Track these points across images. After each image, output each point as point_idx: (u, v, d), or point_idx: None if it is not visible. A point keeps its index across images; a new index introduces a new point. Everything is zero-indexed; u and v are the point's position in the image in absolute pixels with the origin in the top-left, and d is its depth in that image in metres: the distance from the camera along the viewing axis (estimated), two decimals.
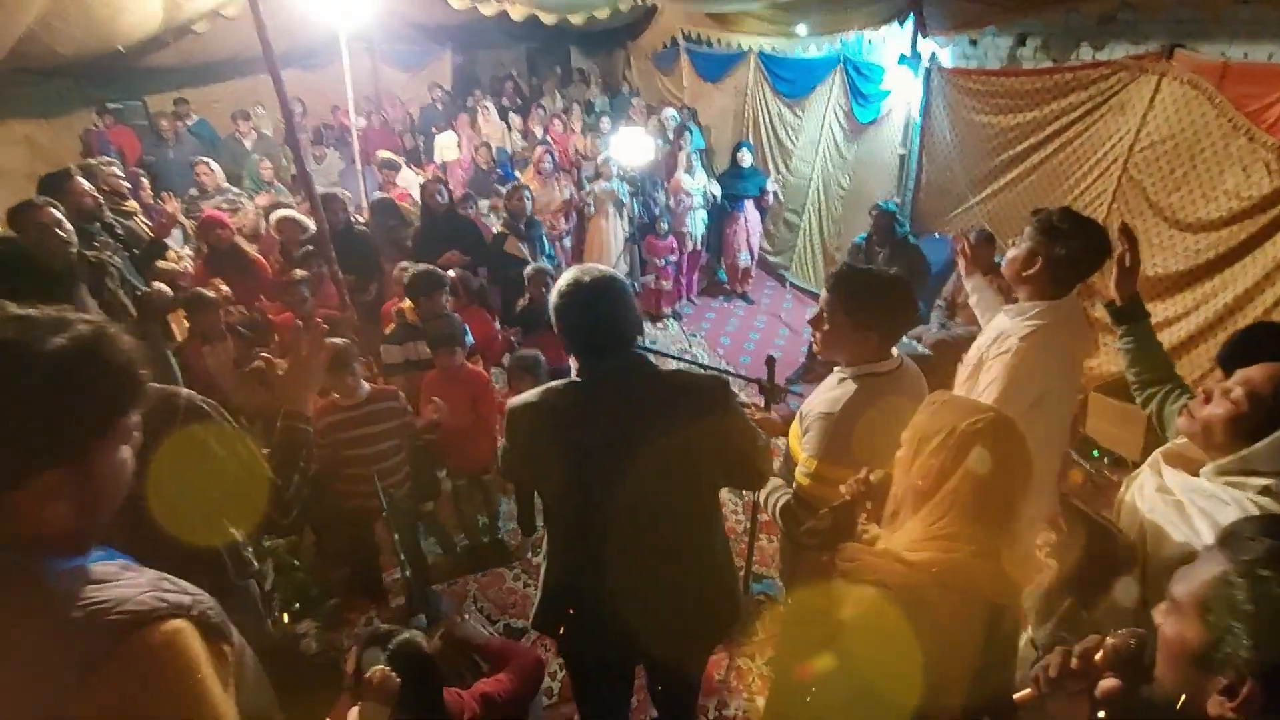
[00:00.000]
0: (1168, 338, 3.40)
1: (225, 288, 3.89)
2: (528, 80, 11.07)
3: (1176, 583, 0.85)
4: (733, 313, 6.21)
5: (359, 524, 2.84)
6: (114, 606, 0.73)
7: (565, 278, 1.51)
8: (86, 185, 3.29)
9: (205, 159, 5.30)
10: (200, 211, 5.02)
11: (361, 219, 4.75)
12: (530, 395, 1.53)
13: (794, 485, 1.76)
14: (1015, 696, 1.02)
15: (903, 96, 4.94)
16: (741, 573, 3.01)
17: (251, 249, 4.09)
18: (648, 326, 5.49)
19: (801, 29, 5.99)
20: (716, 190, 5.87)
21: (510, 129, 7.68)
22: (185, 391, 1.30)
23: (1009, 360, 1.85)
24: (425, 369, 3.23)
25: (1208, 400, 1.35)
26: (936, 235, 4.96)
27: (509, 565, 3.31)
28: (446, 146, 7.46)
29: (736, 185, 5.91)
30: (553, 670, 2.51)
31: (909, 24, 4.60)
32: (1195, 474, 1.36)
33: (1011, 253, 1.98)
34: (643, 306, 5.87)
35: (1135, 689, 0.85)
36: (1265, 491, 1.24)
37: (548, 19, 7.15)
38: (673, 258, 5.76)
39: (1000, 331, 1.95)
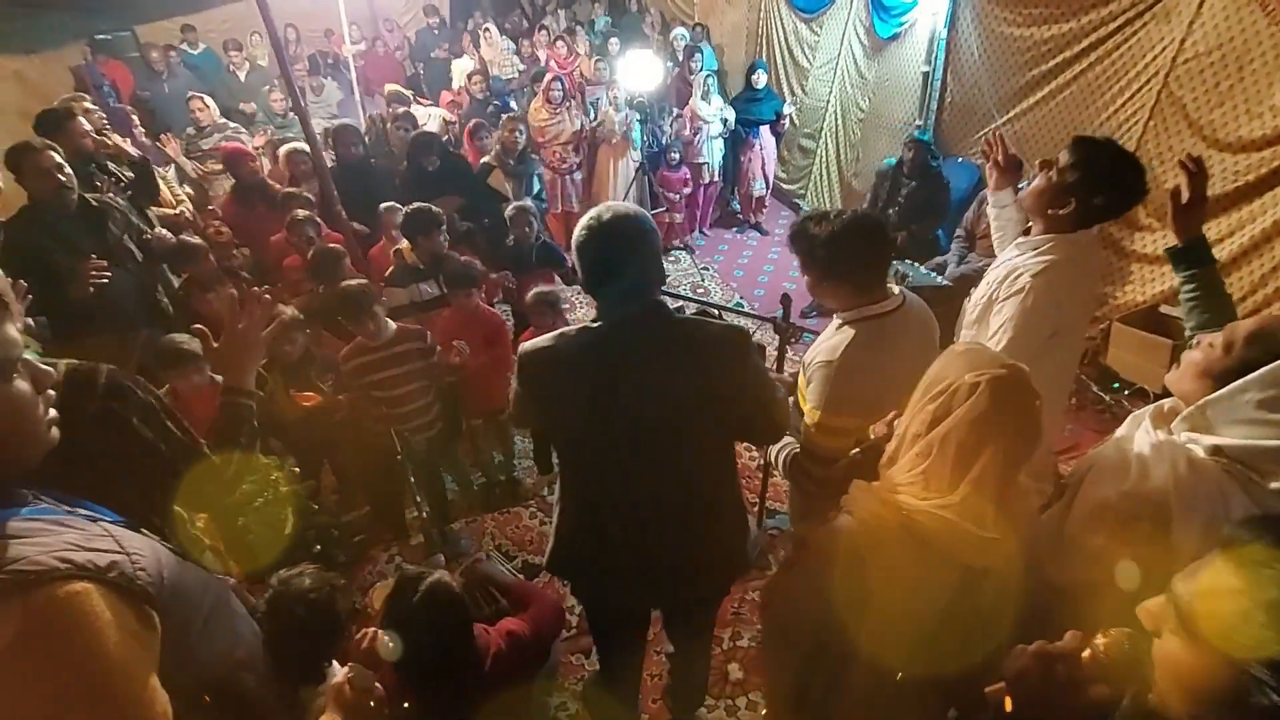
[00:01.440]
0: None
1: (226, 229, 3.85)
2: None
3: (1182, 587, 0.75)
4: (746, 244, 6.07)
5: (386, 463, 2.88)
6: (21, 560, 0.71)
7: (589, 214, 1.44)
8: (86, 125, 3.19)
9: (200, 94, 5.12)
10: (201, 151, 4.93)
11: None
12: (544, 340, 1.49)
13: (801, 437, 1.73)
14: (985, 690, 0.94)
15: (928, 8, 4.62)
16: (755, 508, 3.05)
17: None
18: None
19: None
20: (731, 115, 5.62)
21: (518, 51, 7.32)
22: (106, 368, 1.21)
23: (1022, 300, 1.75)
24: (429, 310, 3.20)
25: (1212, 346, 1.28)
26: (959, 159, 4.75)
27: (524, 504, 3.37)
28: (463, 72, 7.10)
29: (751, 109, 5.65)
30: (569, 604, 2.59)
31: None
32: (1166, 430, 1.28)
33: (1038, 183, 1.87)
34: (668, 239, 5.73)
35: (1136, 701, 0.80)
36: (1216, 452, 1.16)
37: None
38: (687, 190, 5.58)
39: (1012, 268, 1.84)
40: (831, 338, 1.67)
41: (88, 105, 3.63)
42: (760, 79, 5.64)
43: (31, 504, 0.84)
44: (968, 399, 1.01)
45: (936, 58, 4.69)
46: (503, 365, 3.12)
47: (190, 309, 3.08)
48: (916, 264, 4.17)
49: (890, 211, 4.63)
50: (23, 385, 0.81)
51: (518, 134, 4.17)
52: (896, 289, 1.69)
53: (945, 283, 3.95)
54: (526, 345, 1.51)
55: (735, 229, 6.32)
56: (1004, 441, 1.02)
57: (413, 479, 2.60)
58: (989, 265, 1.99)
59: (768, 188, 6.05)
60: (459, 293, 2.92)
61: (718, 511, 1.64)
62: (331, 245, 3.21)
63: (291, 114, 5.65)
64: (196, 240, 3.12)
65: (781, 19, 6.36)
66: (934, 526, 1.02)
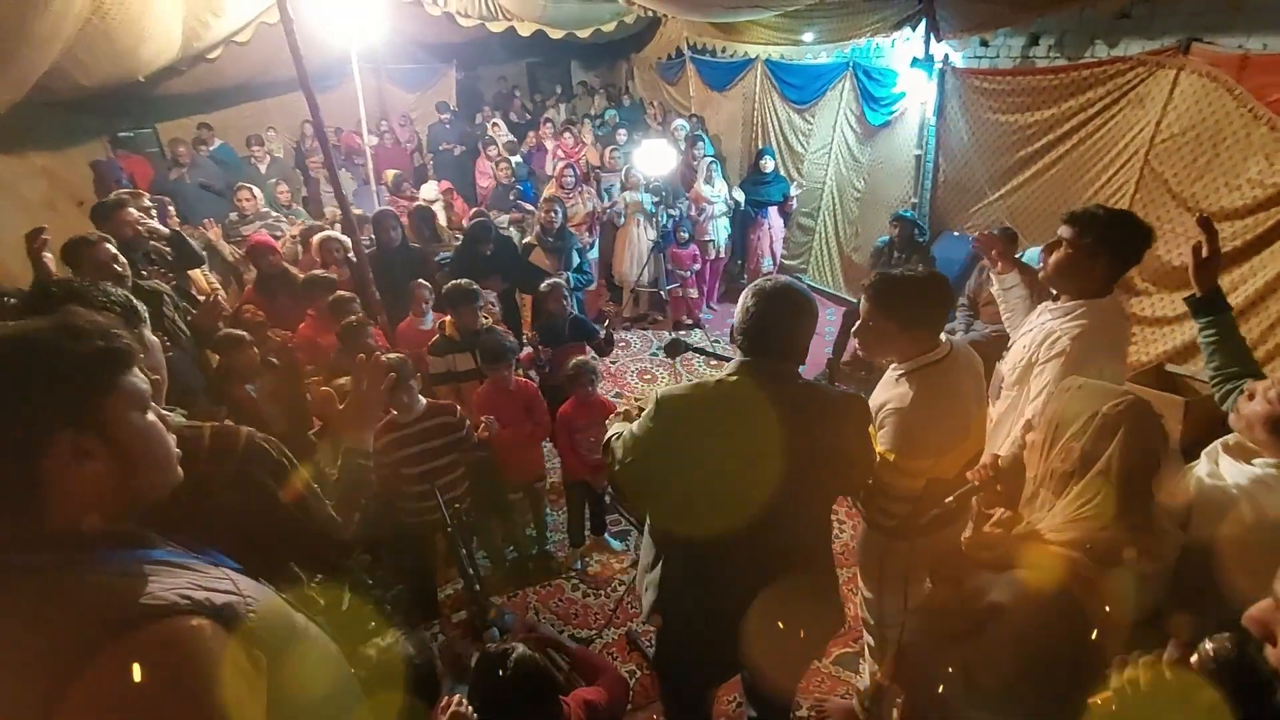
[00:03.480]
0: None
1: (260, 313, 3.95)
2: (529, 95, 11.20)
3: None
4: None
5: (420, 541, 2.88)
6: (133, 599, 0.74)
7: (768, 278, 1.59)
8: (135, 214, 3.33)
9: (248, 184, 5.37)
10: (241, 237, 5.10)
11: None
12: (682, 387, 1.57)
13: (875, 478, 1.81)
14: (1091, 700, 0.98)
15: (916, 98, 5.02)
16: None
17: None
18: (670, 336, 5.55)
19: (808, 36, 6.07)
20: (739, 196, 5.95)
21: (519, 144, 7.75)
22: (246, 430, 1.28)
23: (1063, 361, 1.88)
24: (464, 380, 3.29)
25: (1251, 398, 1.40)
26: (955, 233, 5.03)
27: (561, 577, 3.34)
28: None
29: (760, 191, 5.99)
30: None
31: (921, 27, 4.69)
32: (1250, 462, 1.40)
33: (1057, 258, 2.02)
34: (672, 315, 5.90)
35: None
36: None
37: (554, 34, 7.25)
38: (696, 266, 5.83)
39: (1049, 333, 1.96)
40: (896, 386, 1.77)
41: (136, 193, 3.80)
42: (768, 164, 6.01)
43: (160, 546, 0.88)
44: (1120, 430, 1.11)
45: (927, 142, 5.06)
46: (539, 436, 3.18)
47: (227, 394, 3.12)
48: None
49: None
50: (151, 418, 0.88)
51: (554, 213, 4.40)
52: (943, 337, 1.81)
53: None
54: (668, 391, 1.57)
55: None
56: (1153, 458, 1.11)
57: (463, 550, 2.59)
58: (996, 331, 2.12)
59: (775, 264, 6.32)
60: (494, 367, 3.01)
61: (823, 566, 1.68)
62: (359, 317, 3.30)
63: (296, 205, 5.94)
64: (241, 333, 3.19)
65: (775, 109, 6.82)
66: (1118, 547, 1.09)
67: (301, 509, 1.29)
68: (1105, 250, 1.91)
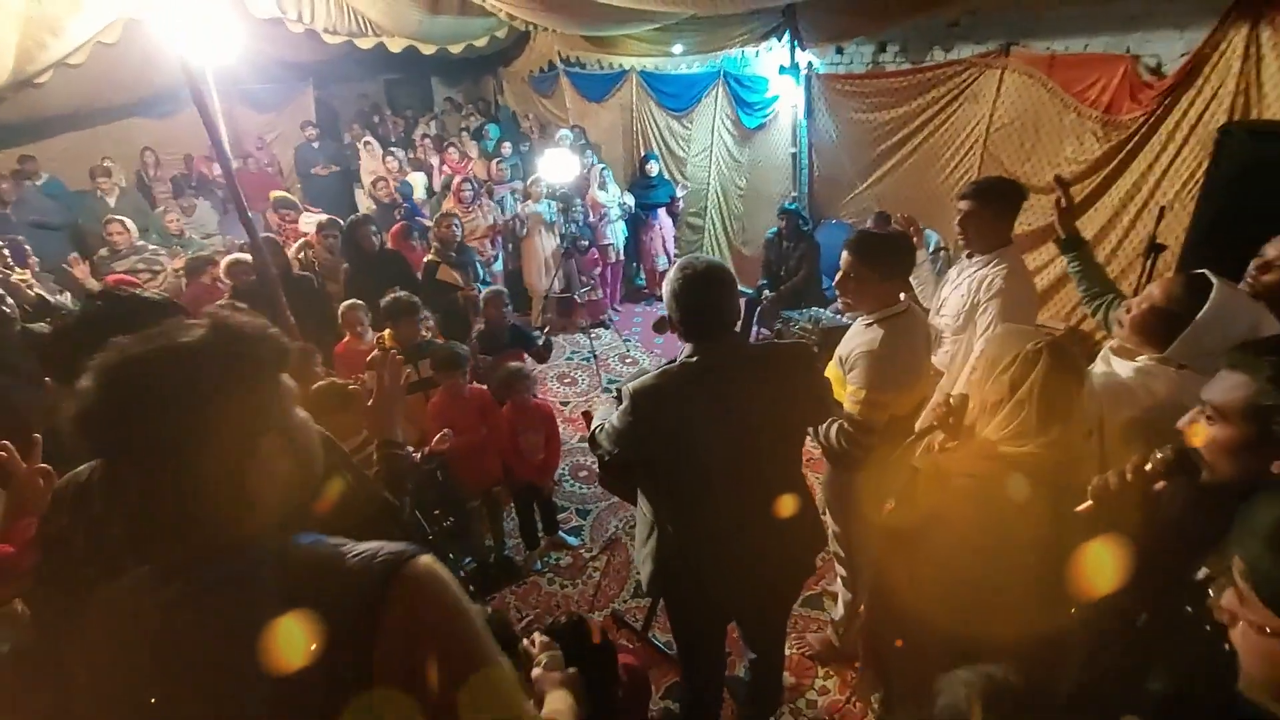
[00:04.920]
0: (1041, 280, 4.13)
1: None
2: (390, 113, 10.87)
3: (1212, 395, 1.17)
4: (657, 314, 6.53)
5: None
6: (377, 552, 0.83)
7: (681, 267, 1.73)
8: None
9: (118, 217, 4.84)
10: (110, 273, 4.61)
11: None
12: (650, 378, 1.72)
13: (844, 413, 2.08)
14: (1077, 509, 1.30)
15: (788, 101, 5.52)
16: None
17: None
18: (583, 338, 5.68)
19: (678, 48, 6.47)
20: (630, 200, 6.20)
21: (400, 162, 7.55)
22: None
23: (1001, 298, 2.29)
24: (415, 392, 3.26)
25: (1128, 311, 1.82)
26: (833, 221, 5.58)
27: (518, 584, 3.36)
28: (418, 185, 7.14)
29: (649, 194, 6.29)
30: None
31: (786, 37, 5.19)
32: (1133, 359, 1.80)
33: (960, 220, 2.45)
34: (584, 317, 6.04)
35: (1192, 480, 1.20)
36: (1180, 367, 1.68)
37: (426, 49, 7.17)
38: (598, 270, 6.01)
39: (982, 279, 2.37)
40: (865, 333, 2.07)
41: None
42: (654, 168, 6.33)
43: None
44: (1038, 363, 1.40)
45: (800, 141, 5.58)
46: (495, 442, 3.22)
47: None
48: (822, 310, 4.82)
49: (782, 271, 5.33)
50: (303, 412, 0.92)
51: (453, 228, 4.39)
52: (901, 296, 2.13)
53: (848, 322, 4.60)
54: (637, 384, 1.72)
55: (643, 302, 6.81)
56: (1069, 386, 1.41)
57: (451, 556, 2.60)
58: None
59: (670, 262, 6.63)
60: (448, 375, 3.02)
61: (798, 511, 1.90)
62: (302, 345, 3.19)
63: (188, 233, 5.47)
64: None
65: (654, 117, 7.16)
66: (1038, 462, 1.37)
67: (370, 494, 1.35)
68: (1001, 206, 2.39)
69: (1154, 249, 2.91)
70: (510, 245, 6.01)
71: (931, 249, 4.36)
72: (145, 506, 0.77)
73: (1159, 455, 1.21)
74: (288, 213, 5.49)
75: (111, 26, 5.31)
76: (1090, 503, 1.28)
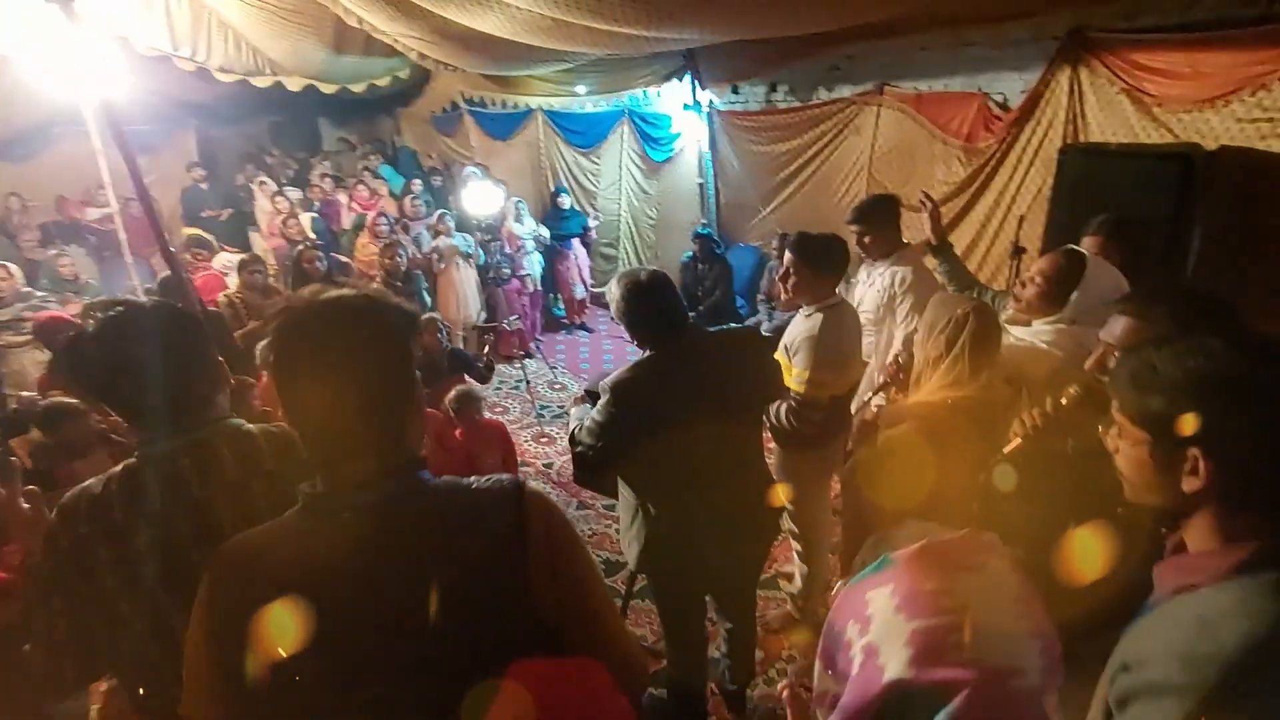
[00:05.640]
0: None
1: (71, 399, 3.41)
2: (278, 153, 10.51)
3: (1113, 337, 1.48)
4: (580, 342, 6.72)
5: None
6: (494, 480, 1.00)
7: (624, 282, 1.92)
8: None
9: (2, 261, 4.42)
10: None
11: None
12: (626, 371, 1.90)
13: (791, 394, 2.34)
14: (1005, 450, 1.58)
15: (692, 136, 5.96)
16: None
17: None
18: (508, 369, 5.75)
19: (581, 89, 6.81)
20: (545, 232, 6.38)
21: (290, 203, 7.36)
22: None
23: (915, 290, 2.67)
24: None
25: (1024, 286, 2.22)
26: (742, 245, 6.02)
27: None
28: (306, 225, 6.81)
29: (562, 226, 6.50)
30: None
31: (687, 78, 5.63)
32: (1029, 324, 2.20)
33: (856, 238, 2.86)
34: (504, 350, 6.09)
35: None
36: (1071, 322, 2.10)
37: (327, 89, 7.08)
38: (524, 300, 6.12)
39: (893, 276, 2.76)
40: (805, 323, 2.35)
41: None
42: (565, 200, 6.57)
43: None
44: (967, 323, 1.71)
45: (706, 172, 6.01)
46: (452, 465, 3.26)
47: (50, 477, 2.71)
48: (737, 326, 5.20)
49: (699, 292, 5.69)
50: None
51: (399, 258, 4.41)
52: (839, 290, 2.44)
53: (769, 334, 4.99)
54: (615, 380, 1.90)
55: (564, 331, 6.96)
56: (992, 340, 1.73)
57: None
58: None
59: (587, 291, 6.84)
60: (470, 412, 3.10)
61: (762, 482, 2.13)
62: (238, 379, 3.10)
63: (85, 278, 5.09)
64: (72, 400, 2.79)
65: (561, 154, 7.42)
66: (973, 403, 1.67)
67: None
68: (884, 218, 2.81)
69: (1017, 251, 3.46)
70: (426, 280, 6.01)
71: None
72: (361, 418, 0.90)
73: (1071, 391, 1.53)
74: (200, 251, 5.24)
75: None
76: (1018, 440, 1.58)
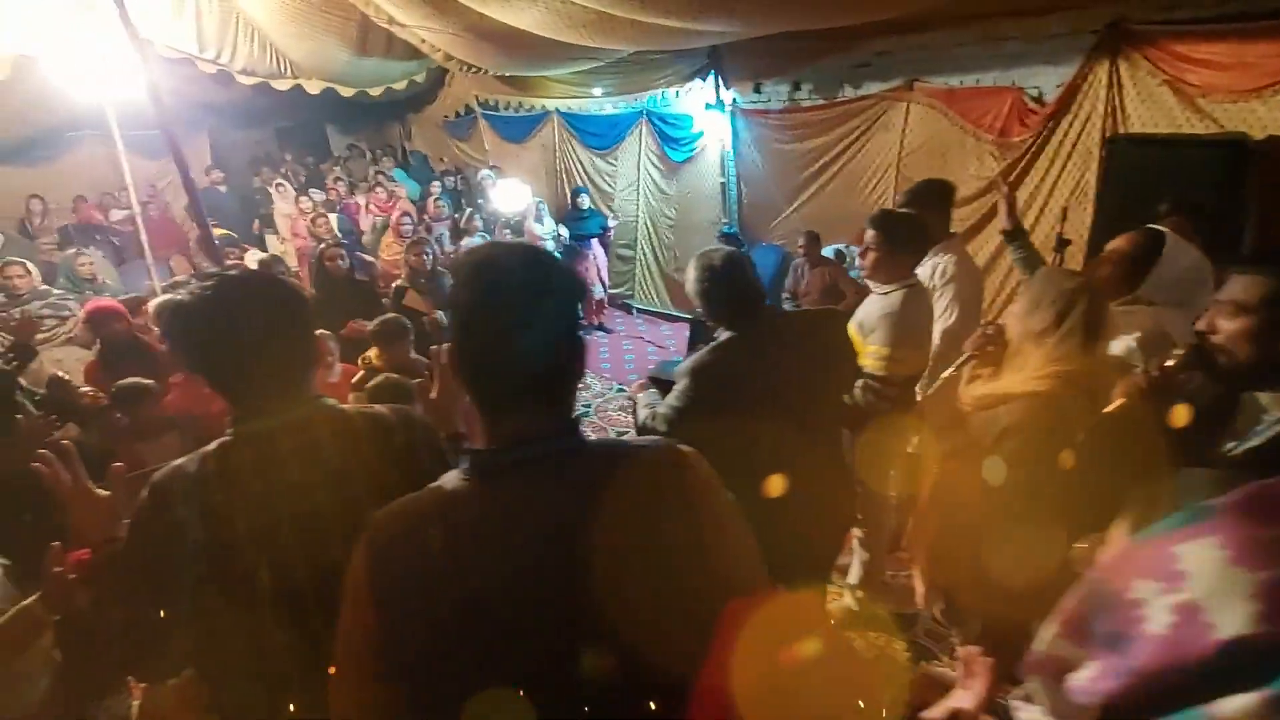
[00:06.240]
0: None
1: (100, 397, 3.37)
2: (289, 158, 10.51)
3: (1233, 294, 1.43)
4: (598, 343, 6.67)
5: None
6: (646, 440, 0.99)
7: (703, 260, 1.88)
8: None
9: (18, 259, 4.37)
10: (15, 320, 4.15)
11: None
12: (704, 355, 1.86)
13: (866, 372, 2.30)
14: (1107, 409, 1.58)
15: (714, 135, 5.94)
16: None
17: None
18: None
19: (598, 90, 6.81)
20: (564, 232, 6.36)
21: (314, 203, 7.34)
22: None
23: (956, 281, 2.63)
24: None
25: (1098, 268, 2.19)
26: (764, 244, 6.00)
27: None
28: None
29: (581, 226, 6.48)
30: None
31: (711, 77, 5.63)
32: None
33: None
34: None
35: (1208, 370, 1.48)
36: (1150, 303, 2.08)
37: (345, 92, 7.09)
38: None
39: (934, 267, 2.71)
40: (882, 300, 2.32)
41: None
42: (584, 201, 6.54)
43: None
44: (1080, 297, 1.67)
45: (729, 171, 5.99)
46: None
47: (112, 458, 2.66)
48: None
49: None
50: None
51: (425, 255, 4.37)
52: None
53: None
54: (695, 363, 1.86)
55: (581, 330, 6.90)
56: (1102, 318, 1.70)
57: None
58: None
59: (605, 291, 6.81)
60: None
61: (842, 468, 2.08)
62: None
63: (101, 278, 5.05)
64: (146, 381, 2.73)
65: (578, 156, 7.41)
66: (1089, 378, 1.63)
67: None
68: (939, 205, 2.75)
69: (1062, 244, 3.42)
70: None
71: (858, 263, 4.84)
72: (535, 370, 0.87)
73: (1178, 353, 1.50)
74: (232, 250, 5.22)
75: (1, 63, 4.92)
76: (1122, 400, 1.55)
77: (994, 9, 4.16)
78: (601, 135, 7.14)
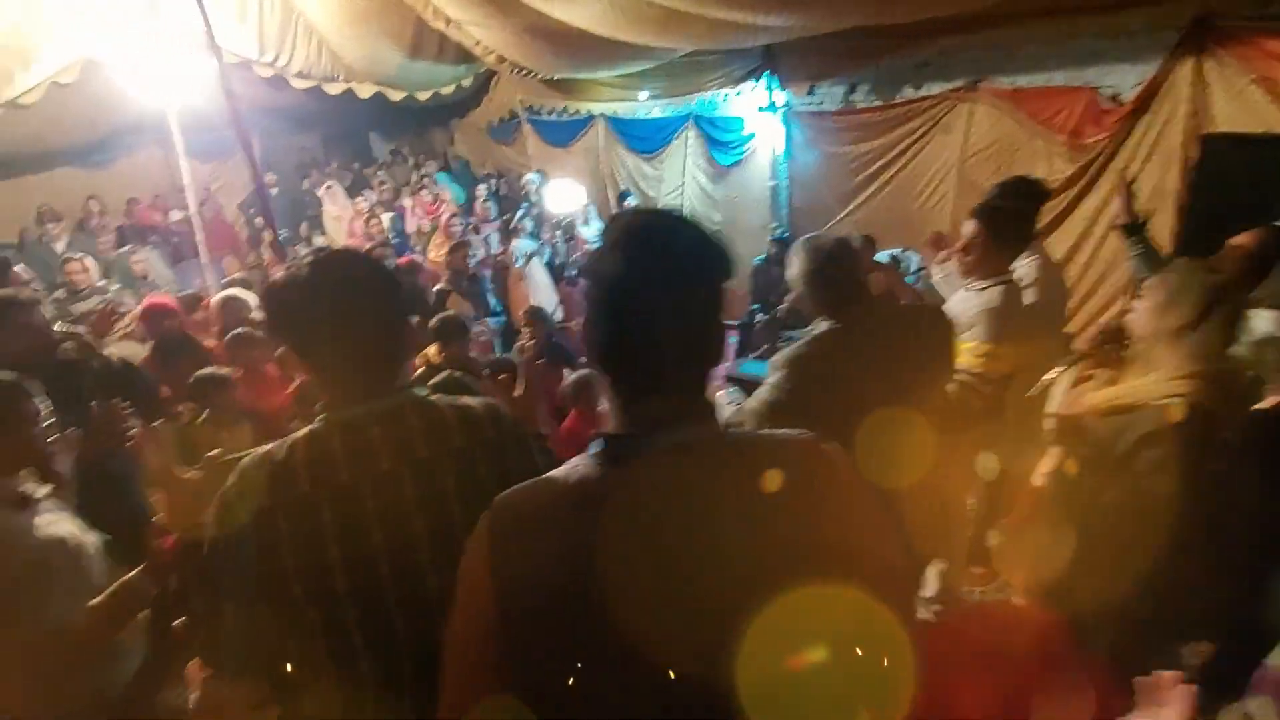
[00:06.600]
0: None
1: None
2: (335, 164, 10.69)
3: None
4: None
5: None
6: (791, 430, 0.93)
7: (811, 245, 1.81)
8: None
9: (79, 255, 4.48)
10: (69, 315, 4.25)
11: None
12: (800, 346, 1.78)
13: (964, 368, 2.19)
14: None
15: (765, 138, 5.86)
16: None
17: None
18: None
19: (644, 94, 6.77)
20: None
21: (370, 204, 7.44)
22: None
23: (1037, 286, 2.49)
24: None
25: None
26: None
27: None
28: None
29: None
30: None
31: (764, 78, 5.55)
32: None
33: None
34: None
35: None
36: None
37: (394, 95, 7.16)
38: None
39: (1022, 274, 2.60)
40: (979, 295, 2.22)
41: None
42: (631, 204, 6.48)
43: None
44: (1223, 292, 1.55)
45: (780, 175, 5.90)
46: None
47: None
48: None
49: (773, 296, 5.56)
50: None
51: (467, 259, 4.37)
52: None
53: None
54: (792, 354, 1.78)
55: None
56: (1243, 313, 1.58)
57: None
58: None
59: None
60: (590, 399, 3.02)
61: (938, 466, 1.97)
62: None
63: (153, 276, 5.14)
64: (224, 370, 2.75)
65: (622, 159, 7.38)
66: (1236, 378, 1.52)
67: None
68: (1031, 206, 2.61)
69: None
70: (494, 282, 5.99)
71: (913, 269, 4.70)
72: (697, 350, 0.84)
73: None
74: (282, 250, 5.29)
75: (70, 66, 5.05)
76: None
77: (1067, 5, 4.02)
78: (647, 139, 7.10)
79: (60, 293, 4.39)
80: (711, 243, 0.85)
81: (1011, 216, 2.27)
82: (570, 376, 3.19)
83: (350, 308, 1.16)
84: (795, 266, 1.84)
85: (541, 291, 5.83)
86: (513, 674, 0.77)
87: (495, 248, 5.87)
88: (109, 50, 4.94)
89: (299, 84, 6.36)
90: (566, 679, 0.76)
